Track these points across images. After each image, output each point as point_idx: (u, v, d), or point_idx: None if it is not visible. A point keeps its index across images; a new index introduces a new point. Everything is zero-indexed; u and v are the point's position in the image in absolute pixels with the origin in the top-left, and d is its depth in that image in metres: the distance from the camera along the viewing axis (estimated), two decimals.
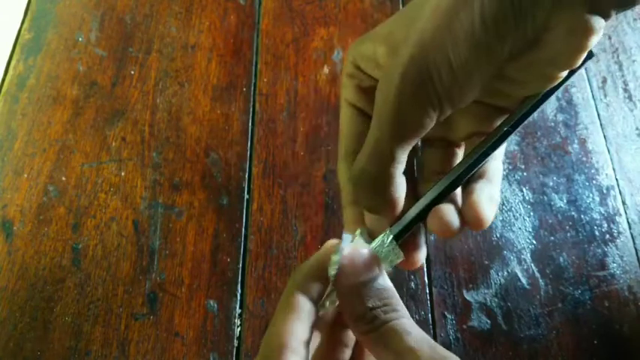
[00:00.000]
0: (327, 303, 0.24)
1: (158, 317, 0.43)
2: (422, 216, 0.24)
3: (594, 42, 0.21)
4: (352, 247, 0.23)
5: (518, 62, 0.22)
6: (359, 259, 0.23)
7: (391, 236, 0.24)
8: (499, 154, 0.26)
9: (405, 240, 0.24)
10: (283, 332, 0.21)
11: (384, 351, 0.21)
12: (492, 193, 0.24)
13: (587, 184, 0.52)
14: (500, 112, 0.25)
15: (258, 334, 0.43)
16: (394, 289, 0.23)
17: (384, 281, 0.23)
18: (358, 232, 0.25)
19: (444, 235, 0.23)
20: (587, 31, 0.20)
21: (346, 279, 0.23)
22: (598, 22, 0.20)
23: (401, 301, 0.23)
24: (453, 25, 0.20)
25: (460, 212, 0.24)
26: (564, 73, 0.23)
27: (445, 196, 0.24)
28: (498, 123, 0.25)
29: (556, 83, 0.23)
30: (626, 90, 0.58)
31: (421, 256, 0.25)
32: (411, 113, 0.22)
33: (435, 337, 0.44)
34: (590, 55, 0.23)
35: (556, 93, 0.24)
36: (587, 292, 0.47)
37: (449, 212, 0.23)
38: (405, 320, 0.22)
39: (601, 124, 0.55)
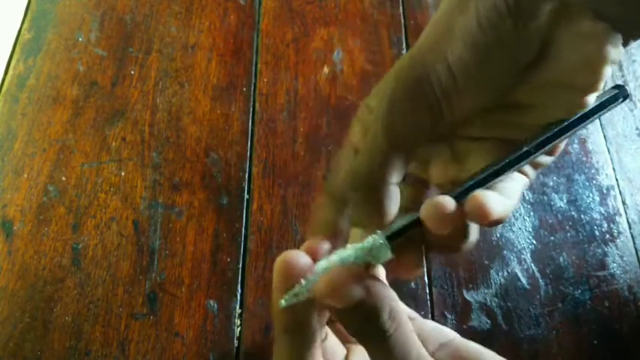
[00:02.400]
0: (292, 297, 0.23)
1: (158, 317, 0.43)
2: (417, 223, 0.22)
3: (612, 57, 0.19)
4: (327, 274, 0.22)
5: (530, 83, 0.21)
6: (339, 279, 0.21)
7: (383, 238, 0.22)
8: (518, 176, 0.24)
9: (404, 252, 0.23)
10: None
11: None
12: (503, 200, 0.22)
13: (587, 184, 0.52)
14: (508, 147, 0.23)
15: (258, 334, 0.43)
16: (385, 294, 0.21)
17: (376, 292, 0.21)
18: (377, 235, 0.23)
19: (436, 228, 0.21)
20: (597, 39, 0.19)
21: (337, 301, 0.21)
22: (607, 31, 0.19)
23: (392, 298, 0.22)
24: (451, 30, 0.20)
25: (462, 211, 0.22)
26: (590, 99, 0.21)
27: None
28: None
29: (584, 111, 0.21)
30: None
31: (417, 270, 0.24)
32: (408, 117, 0.21)
33: None
34: (625, 94, 0.21)
35: (590, 125, 0.22)
36: (587, 292, 0.47)
37: (448, 202, 0.21)
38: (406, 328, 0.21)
39: (601, 124, 0.55)
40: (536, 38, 0.19)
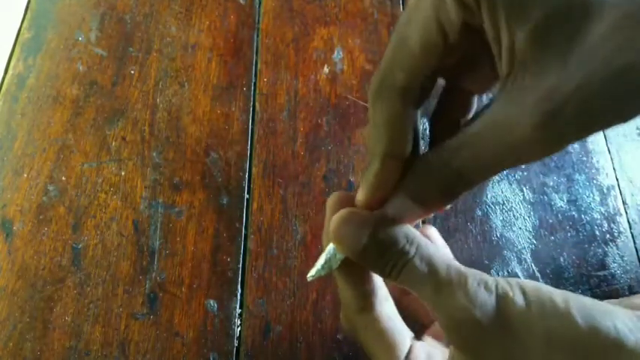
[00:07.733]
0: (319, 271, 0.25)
1: (158, 317, 0.43)
2: None
3: None
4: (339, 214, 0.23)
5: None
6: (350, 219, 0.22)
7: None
8: None
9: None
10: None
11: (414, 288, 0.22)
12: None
13: (587, 183, 0.52)
14: None
15: (258, 334, 0.43)
16: (396, 228, 0.22)
17: (384, 231, 0.22)
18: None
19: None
20: None
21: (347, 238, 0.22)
22: None
23: (406, 233, 0.22)
24: None
25: None
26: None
27: None
28: None
29: None
30: None
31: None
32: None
33: None
34: None
35: None
36: (587, 292, 0.47)
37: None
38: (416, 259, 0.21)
39: None
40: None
